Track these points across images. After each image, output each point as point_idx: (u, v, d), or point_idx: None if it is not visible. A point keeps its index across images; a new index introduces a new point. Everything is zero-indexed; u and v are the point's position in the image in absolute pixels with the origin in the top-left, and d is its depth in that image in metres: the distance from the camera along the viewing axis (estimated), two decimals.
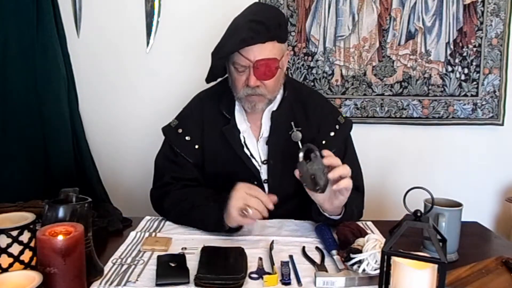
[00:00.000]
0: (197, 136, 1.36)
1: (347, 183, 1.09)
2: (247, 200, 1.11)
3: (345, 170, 1.10)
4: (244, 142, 1.34)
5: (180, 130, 1.37)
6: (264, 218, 1.30)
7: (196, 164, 1.36)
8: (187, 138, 1.36)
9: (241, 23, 1.26)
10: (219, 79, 1.43)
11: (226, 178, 1.26)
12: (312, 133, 1.34)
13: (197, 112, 1.40)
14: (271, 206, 1.12)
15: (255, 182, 1.30)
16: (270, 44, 1.24)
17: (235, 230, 1.18)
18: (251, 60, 1.23)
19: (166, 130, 1.40)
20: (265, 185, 1.34)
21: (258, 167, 1.34)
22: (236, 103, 1.37)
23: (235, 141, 1.33)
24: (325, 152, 1.11)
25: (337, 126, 1.38)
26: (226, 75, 1.37)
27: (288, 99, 1.37)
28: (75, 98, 1.88)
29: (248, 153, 1.34)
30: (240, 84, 1.28)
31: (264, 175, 1.34)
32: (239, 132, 1.35)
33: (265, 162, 1.34)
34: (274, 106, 1.36)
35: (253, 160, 1.34)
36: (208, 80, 1.39)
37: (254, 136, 1.36)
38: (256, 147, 1.36)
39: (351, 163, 1.35)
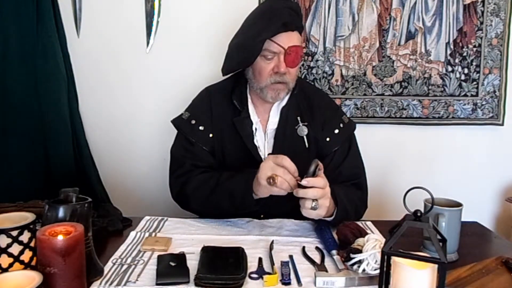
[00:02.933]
0: (209, 126, 1.40)
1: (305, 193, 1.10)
2: (274, 169, 1.12)
3: (320, 182, 1.10)
4: (255, 133, 1.38)
5: (193, 121, 1.41)
6: (264, 218, 1.31)
7: (212, 152, 1.39)
8: (201, 128, 1.39)
9: (279, 8, 1.31)
10: (226, 76, 1.47)
11: (231, 168, 1.32)
12: (316, 131, 1.39)
13: (206, 103, 1.43)
14: (296, 174, 1.13)
15: None
16: (296, 33, 1.32)
17: (258, 201, 1.21)
18: (283, 47, 1.28)
19: (179, 122, 1.43)
20: None
21: (263, 160, 1.36)
22: (249, 96, 1.41)
23: (245, 132, 1.37)
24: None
25: (341, 125, 1.42)
26: (238, 70, 1.42)
27: (296, 96, 1.41)
28: (75, 98, 1.88)
29: (257, 145, 1.38)
30: (267, 72, 1.32)
31: None
32: (251, 123, 1.38)
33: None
34: (283, 101, 1.40)
35: (260, 152, 1.37)
36: (225, 72, 1.42)
37: (262, 130, 1.40)
38: (263, 140, 1.39)
39: (354, 161, 1.38)
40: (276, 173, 1.11)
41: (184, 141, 1.40)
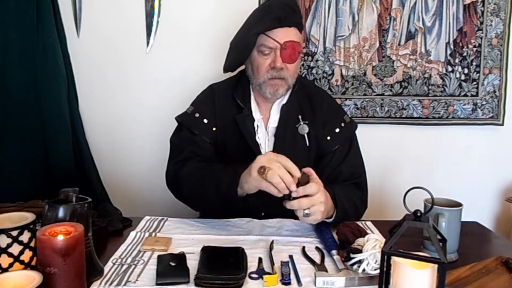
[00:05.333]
0: (213, 119, 1.41)
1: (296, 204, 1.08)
2: (270, 162, 1.07)
3: (310, 189, 1.08)
4: (257, 130, 1.39)
5: (197, 115, 1.41)
6: (264, 217, 1.31)
7: (214, 145, 1.40)
8: (205, 121, 1.40)
9: (274, 4, 1.33)
10: (229, 73, 1.48)
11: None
12: (317, 129, 1.39)
13: (210, 99, 1.45)
14: (298, 175, 1.07)
15: None
16: (294, 29, 1.33)
17: (245, 199, 1.17)
18: (279, 42, 1.29)
19: (183, 116, 1.43)
20: None
21: None
22: (252, 93, 1.42)
23: (247, 129, 1.37)
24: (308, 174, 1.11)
25: (342, 124, 1.42)
26: (240, 69, 1.44)
27: (297, 95, 1.42)
28: (75, 98, 1.88)
29: (258, 142, 1.38)
30: (264, 67, 1.33)
31: None
32: (253, 120, 1.39)
33: None
34: (284, 99, 1.41)
35: (261, 150, 1.38)
36: (226, 69, 1.44)
37: (264, 127, 1.40)
38: (265, 138, 1.40)
39: (355, 160, 1.39)
40: (270, 166, 1.06)
41: (187, 132, 1.41)
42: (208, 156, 1.37)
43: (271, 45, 1.30)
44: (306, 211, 1.09)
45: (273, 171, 1.05)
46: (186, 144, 1.38)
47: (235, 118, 1.38)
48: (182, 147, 1.38)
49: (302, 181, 1.09)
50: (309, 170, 1.12)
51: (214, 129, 1.40)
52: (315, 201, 1.09)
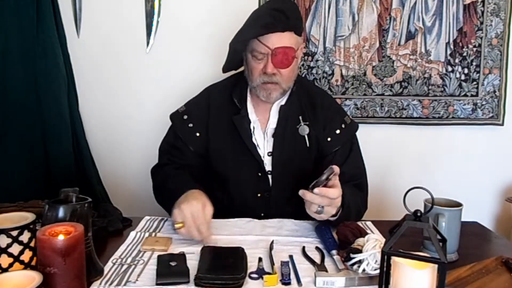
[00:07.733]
0: (201, 124, 1.41)
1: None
2: (187, 221, 1.10)
3: (334, 193, 1.09)
4: (253, 132, 1.39)
5: (185, 117, 1.43)
6: (264, 217, 1.32)
7: (196, 152, 1.40)
8: (190, 125, 1.41)
9: (263, 10, 1.34)
10: (231, 73, 1.49)
11: (231, 167, 1.36)
12: (318, 130, 1.39)
13: (204, 101, 1.45)
14: (209, 224, 1.12)
15: (259, 174, 1.37)
16: (288, 34, 1.30)
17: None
18: (270, 48, 1.28)
19: (174, 115, 1.46)
20: (269, 176, 1.38)
21: (263, 158, 1.37)
22: (248, 94, 1.43)
23: (244, 130, 1.37)
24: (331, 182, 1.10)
25: (343, 125, 1.42)
26: (240, 69, 1.44)
27: (297, 95, 1.42)
28: (75, 98, 1.88)
29: (256, 143, 1.38)
30: (257, 72, 1.33)
31: (268, 167, 1.38)
32: (249, 121, 1.39)
33: (269, 154, 1.39)
34: (283, 100, 1.41)
35: (259, 151, 1.38)
36: (224, 69, 1.45)
37: (261, 128, 1.40)
38: (262, 139, 1.40)
39: (356, 162, 1.39)
40: (186, 226, 1.09)
41: (172, 135, 1.44)
42: (187, 164, 1.39)
43: (263, 51, 1.29)
44: (320, 209, 1.10)
45: (185, 229, 1.09)
46: (168, 150, 1.42)
47: (233, 120, 1.38)
48: (163, 152, 1.43)
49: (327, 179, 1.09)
50: (336, 169, 1.11)
51: (197, 134, 1.40)
52: (334, 203, 1.11)
